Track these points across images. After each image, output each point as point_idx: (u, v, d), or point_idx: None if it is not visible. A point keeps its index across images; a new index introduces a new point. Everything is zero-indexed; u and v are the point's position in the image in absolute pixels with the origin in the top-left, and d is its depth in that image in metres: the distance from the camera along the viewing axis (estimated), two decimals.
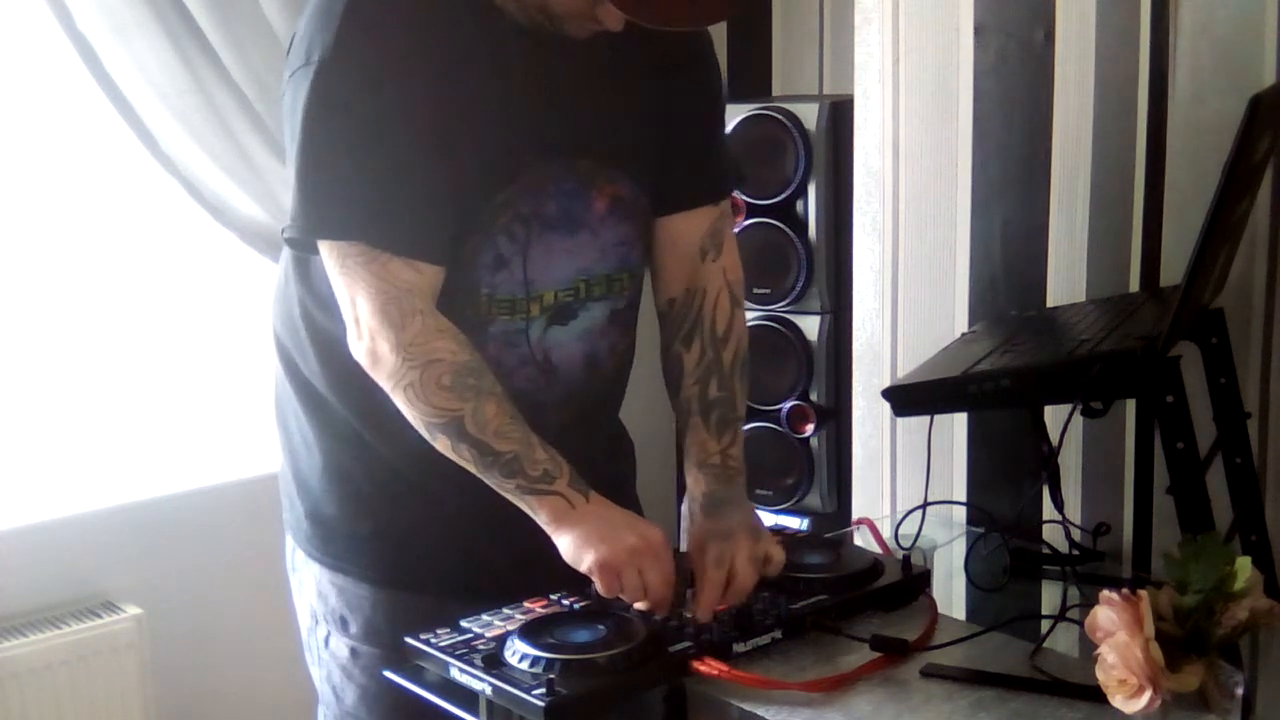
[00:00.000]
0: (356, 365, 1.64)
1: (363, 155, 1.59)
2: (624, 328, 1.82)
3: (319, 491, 1.81)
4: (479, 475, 1.62)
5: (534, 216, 1.67)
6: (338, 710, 1.85)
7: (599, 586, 1.62)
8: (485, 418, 1.60)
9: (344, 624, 1.80)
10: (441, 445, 1.62)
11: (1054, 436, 2.04)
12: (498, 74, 1.64)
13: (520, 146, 1.66)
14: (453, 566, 1.77)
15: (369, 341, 1.61)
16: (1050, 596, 1.92)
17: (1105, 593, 1.43)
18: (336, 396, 1.76)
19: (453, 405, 1.60)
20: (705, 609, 1.63)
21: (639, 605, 1.63)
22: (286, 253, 1.80)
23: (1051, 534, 2.06)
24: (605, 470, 1.79)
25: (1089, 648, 1.46)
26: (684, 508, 1.82)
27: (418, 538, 1.78)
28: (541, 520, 1.62)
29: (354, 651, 1.80)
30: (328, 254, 1.62)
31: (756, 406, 2.74)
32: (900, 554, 1.87)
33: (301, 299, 1.77)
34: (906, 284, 2.64)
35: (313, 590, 1.84)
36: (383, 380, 1.62)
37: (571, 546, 1.61)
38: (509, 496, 1.63)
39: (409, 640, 1.64)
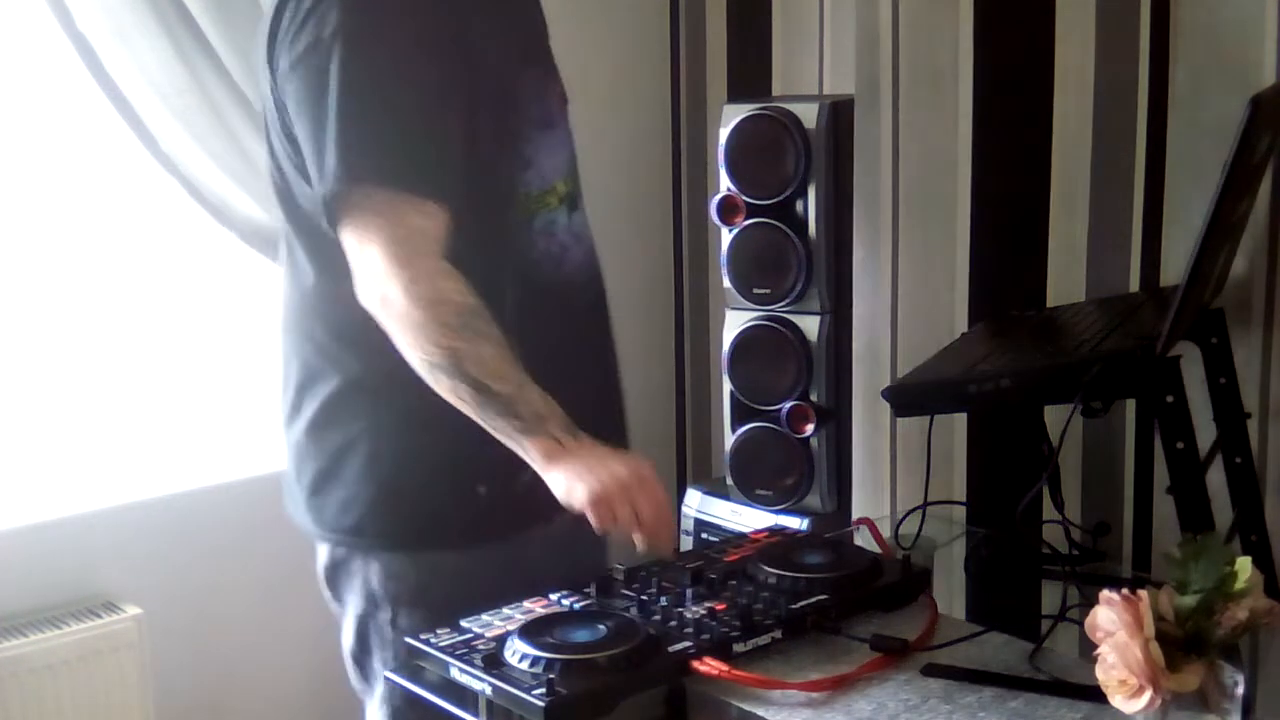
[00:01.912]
0: None
1: (388, 107, 1.71)
2: (586, 218, 2.00)
3: (407, 473, 1.85)
4: (473, 415, 1.70)
5: (532, 117, 1.86)
6: None
7: (593, 521, 1.68)
8: (484, 358, 1.68)
9: (423, 593, 1.84)
10: (440, 385, 1.70)
11: (1054, 436, 2.04)
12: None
13: (511, 55, 1.84)
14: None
15: (380, 285, 1.69)
16: (1050, 596, 1.92)
17: (1105, 593, 1.43)
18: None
19: (454, 344, 1.67)
20: None
21: (637, 538, 1.69)
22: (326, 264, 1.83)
23: (1051, 534, 2.06)
24: (606, 362, 2.02)
25: (1089, 648, 1.45)
26: None
27: (510, 492, 1.82)
28: (533, 459, 1.70)
29: (433, 620, 1.80)
30: (342, 209, 1.71)
31: (756, 406, 2.74)
32: (900, 554, 1.87)
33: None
34: (906, 284, 2.64)
35: (377, 577, 1.88)
36: (390, 322, 1.70)
37: (563, 483, 1.69)
38: (501, 436, 1.71)
39: (409, 640, 1.64)
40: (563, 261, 1.90)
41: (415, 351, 1.69)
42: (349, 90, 1.69)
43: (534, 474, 1.75)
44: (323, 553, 1.95)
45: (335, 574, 1.93)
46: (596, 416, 1.87)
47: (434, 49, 1.74)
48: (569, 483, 1.68)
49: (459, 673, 1.54)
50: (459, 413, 1.74)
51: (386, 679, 1.67)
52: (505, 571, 1.82)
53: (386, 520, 1.87)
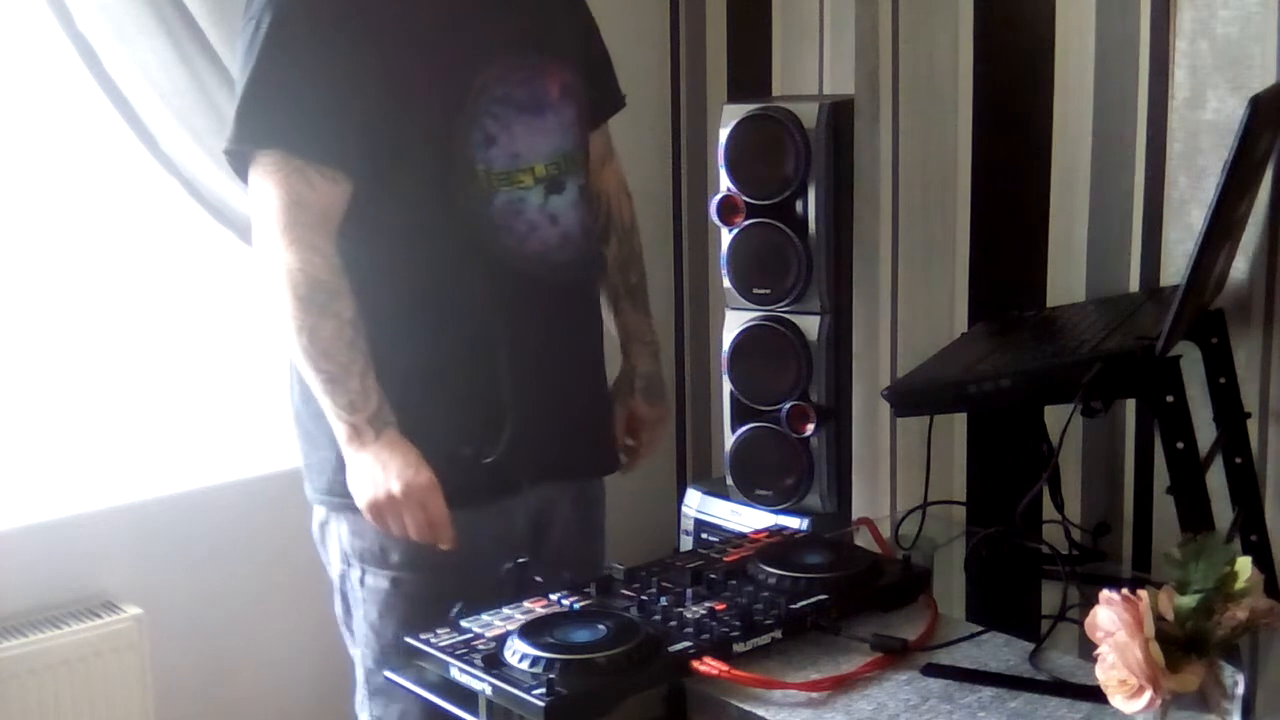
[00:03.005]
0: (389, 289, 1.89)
1: (298, 75, 1.82)
2: (589, 204, 2.07)
3: None
4: (308, 383, 1.85)
5: (508, 99, 1.92)
6: (378, 646, 1.95)
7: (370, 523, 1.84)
8: (320, 334, 1.81)
9: (384, 555, 1.93)
10: (289, 345, 1.85)
11: (1054, 436, 2.04)
12: None
13: (485, 41, 1.92)
14: (488, 468, 1.91)
15: (261, 242, 1.84)
16: (1050, 596, 1.92)
17: (1105, 593, 1.43)
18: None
19: (298, 314, 1.81)
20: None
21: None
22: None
23: (1051, 534, 2.07)
24: (586, 340, 2.09)
25: (1089, 648, 1.46)
26: (620, 379, 2.18)
27: (456, 453, 1.90)
28: (340, 441, 1.84)
29: (395, 581, 1.93)
30: (251, 170, 1.85)
31: (756, 406, 2.74)
32: (900, 554, 1.87)
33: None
34: (906, 284, 2.64)
35: (346, 536, 1.97)
36: (266, 278, 1.84)
37: (351, 479, 1.84)
38: (324, 411, 1.84)
39: (409, 640, 1.64)
40: (527, 238, 1.94)
41: (276, 311, 1.83)
42: (262, 59, 1.82)
43: (506, 445, 1.88)
44: (316, 515, 2.04)
45: (322, 535, 2.03)
46: (562, 374, 2.00)
47: (354, 29, 1.83)
48: (353, 482, 1.83)
49: (459, 672, 1.54)
50: (424, 377, 1.88)
51: (387, 679, 1.67)
52: (472, 541, 1.85)
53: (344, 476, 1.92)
